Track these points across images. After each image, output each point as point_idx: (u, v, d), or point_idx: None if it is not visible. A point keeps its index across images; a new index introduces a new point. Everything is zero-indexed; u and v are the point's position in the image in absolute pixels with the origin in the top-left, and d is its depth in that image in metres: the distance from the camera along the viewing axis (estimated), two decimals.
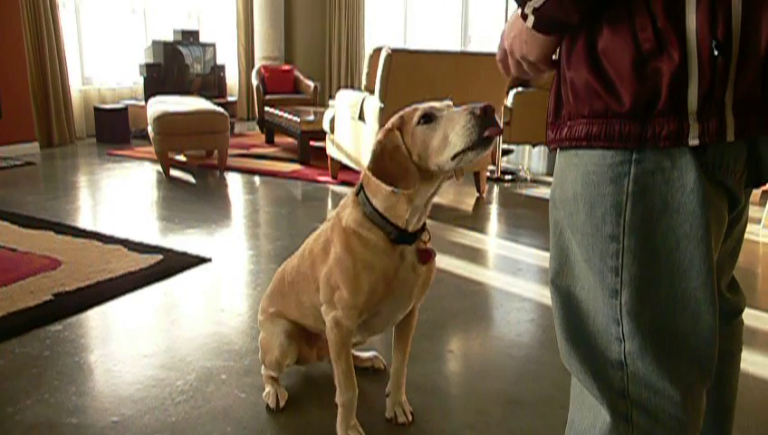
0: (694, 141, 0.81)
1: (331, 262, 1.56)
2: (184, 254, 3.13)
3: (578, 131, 0.88)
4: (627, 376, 0.91)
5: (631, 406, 0.92)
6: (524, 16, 0.89)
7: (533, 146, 7.41)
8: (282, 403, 1.84)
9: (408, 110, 1.49)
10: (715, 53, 0.77)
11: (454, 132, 1.36)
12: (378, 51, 4.19)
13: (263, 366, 1.90)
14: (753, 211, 4.26)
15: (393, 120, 1.50)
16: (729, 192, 0.88)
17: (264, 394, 1.87)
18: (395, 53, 3.98)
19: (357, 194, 1.55)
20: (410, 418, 1.79)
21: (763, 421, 1.85)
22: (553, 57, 0.96)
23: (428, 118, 1.42)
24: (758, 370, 2.12)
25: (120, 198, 4.45)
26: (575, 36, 0.88)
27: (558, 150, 0.96)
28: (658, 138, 0.81)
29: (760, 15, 0.77)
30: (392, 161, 1.43)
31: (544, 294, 2.77)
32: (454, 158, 1.37)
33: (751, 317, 2.55)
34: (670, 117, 0.80)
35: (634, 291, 0.88)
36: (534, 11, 0.87)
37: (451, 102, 1.47)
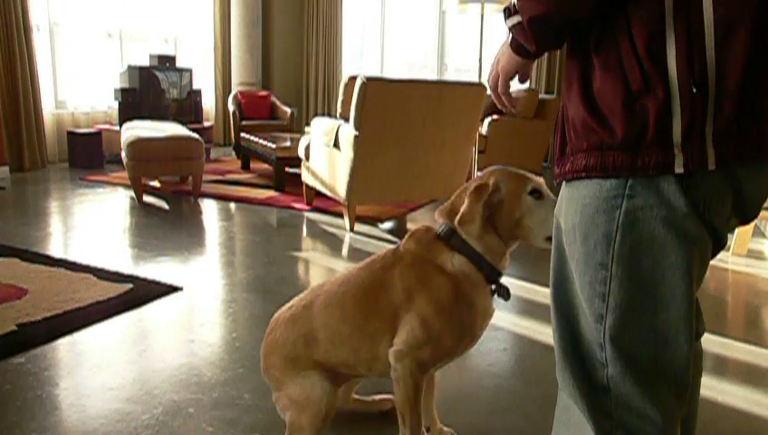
0: (679, 169, 0.88)
1: (428, 310, 1.51)
2: (154, 282, 3.08)
3: (578, 164, 0.97)
4: (611, 399, 0.97)
5: (615, 427, 0.97)
6: (509, 31, 1.04)
7: None
8: None
9: (513, 171, 1.55)
10: (694, 90, 0.85)
11: None
12: (353, 79, 4.22)
13: None
14: None
15: (497, 173, 1.55)
16: (715, 233, 0.94)
17: None
18: (370, 82, 4.00)
19: (447, 240, 1.56)
20: None
21: None
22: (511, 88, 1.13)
23: (539, 194, 1.51)
24: (727, 398, 2.14)
25: (91, 225, 4.39)
26: (572, 79, 0.98)
27: (563, 184, 1.05)
28: (648, 167, 0.89)
29: (729, 58, 0.85)
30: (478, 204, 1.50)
31: (518, 323, 2.78)
32: (548, 239, 1.43)
33: (721, 345, 2.57)
34: (658, 148, 0.88)
35: (618, 317, 0.95)
36: (510, 29, 1.01)
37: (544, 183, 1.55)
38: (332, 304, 1.64)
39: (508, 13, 1.01)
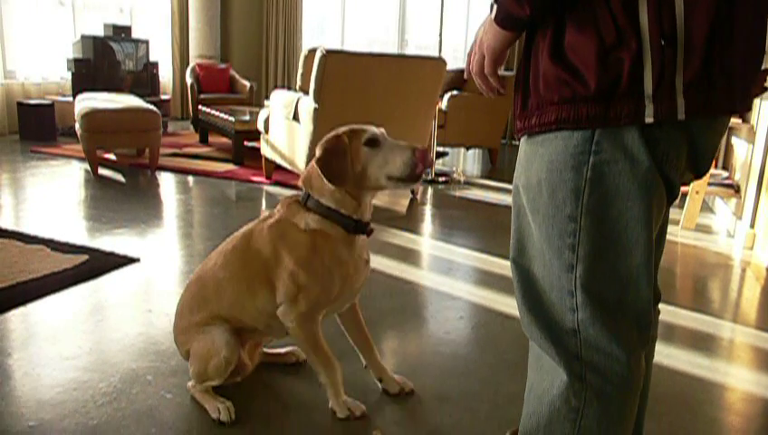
0: (649, 119, 0.92)
1: (292, 265, 1.68)
2: (111, 254, 3.05)
3: (548, 117, 0.99)
4: (580, 341, 1.03)
5: (585, 367, 1.04)
6: (491, 7, 1.02)
7: (467, 149, 7.55)
8: (233, 416, 1.76)
9: (355, 127, 1.70)
10: (662, 42, 0.89)
11: (394, 162, 1.63)
12: (313, 51, 4.19)
13: (194, 383, 1.82)
14: (672, 213, 4.47)
15: (344, 129, 1.71)
16: (670, 184, 1.00)
17: (211, 411, 1.77)
18: (329, 55, 3.98)
19: (305, 202, 1.72)
20: (409, 385, 1.96)
21: (675, 410, 1.94)
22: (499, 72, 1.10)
23: (374, 142, 1.66)
24: (672, 362, 2.23)
25: (44, 197, 4.29)
26: (545, 35, 0.99)
27: (525, 139, 1.07)
28: (620, 117, 0.93)
29: (696, 14, 0.90)
30: (337, 161, 1.65)
31: (473, 293, 2.84)
32: (389, 179, 1.66)
33: (669, 313, 2.67)
34: (630, 98, 0.92)
35: (588, 265, 1.00)
36: (495, 1, 0.99)
37: (384, 132, 1.71)
38: (220, 262, 1.81)
39: None
